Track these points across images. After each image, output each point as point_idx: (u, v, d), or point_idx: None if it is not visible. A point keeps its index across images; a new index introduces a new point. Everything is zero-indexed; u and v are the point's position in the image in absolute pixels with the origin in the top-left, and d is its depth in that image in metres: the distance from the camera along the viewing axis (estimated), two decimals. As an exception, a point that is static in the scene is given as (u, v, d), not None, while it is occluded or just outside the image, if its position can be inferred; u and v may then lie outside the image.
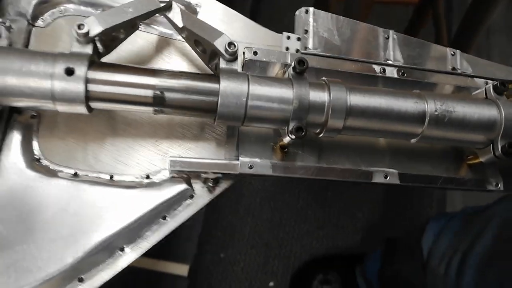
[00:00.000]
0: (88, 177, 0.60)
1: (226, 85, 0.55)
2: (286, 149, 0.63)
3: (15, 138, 0.59)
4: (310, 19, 0.69)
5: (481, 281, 1.17)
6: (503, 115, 0.60)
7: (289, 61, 0.64)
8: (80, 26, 0.55)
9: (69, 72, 0.52)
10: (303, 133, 0.56)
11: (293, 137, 0.56)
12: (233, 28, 0.69)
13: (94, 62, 0.55)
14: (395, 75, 0.67)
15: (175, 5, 0.61)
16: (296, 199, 2.33)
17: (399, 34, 0.71)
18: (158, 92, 0.55)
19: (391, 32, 0.71)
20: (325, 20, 0.69)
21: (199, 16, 0.68)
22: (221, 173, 0.61)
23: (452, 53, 0.71)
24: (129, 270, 0.59)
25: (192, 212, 0.62)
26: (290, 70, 0.58)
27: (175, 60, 0.67)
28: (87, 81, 0.53)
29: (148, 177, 0.62)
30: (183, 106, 0.57)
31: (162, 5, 0.59)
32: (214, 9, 0.69)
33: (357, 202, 2.38)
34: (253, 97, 0.56)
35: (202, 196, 0.62)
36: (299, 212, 2.29)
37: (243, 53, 0.64)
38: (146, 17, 0.60)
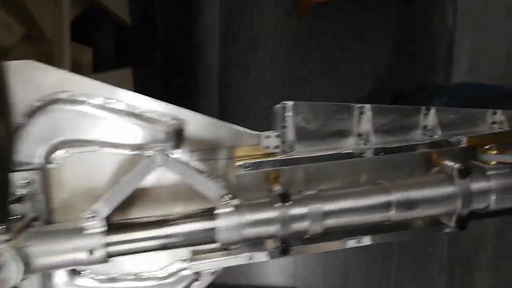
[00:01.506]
0: (120, 278, 0.80)
1: (222, 224, 0.69)
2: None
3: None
4: (288, 113, 0.73)
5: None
6: (460, 197, 0.70)
7: (279, 167, 0.75)
8: (90, 217, 0.68)
9: (91, 252, 0.68)
10: (287, 253, 0.71)
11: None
12: (219, 135, 0.75)
13: (109, 228, 0.69)
14: (372, 155, 0.76)
15: (169, 161, 0.69)
16: (304, 62, 2.37)
17: (373, 105, 0.74)
18: (164, 242, 0.70)
19: (366, 106, 0.74)
20: (302, 110, 0.73)
21: (188, 128, 0.74)
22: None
23: (425, 112, 0.75)
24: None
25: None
26: (277, 198, 0.69)
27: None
28: (106, 249, 0.68)
29: (165, 271, 0.81)
30: (187, 244, 0.72)
31: (158, 165, 0.67)
32: (199, 121, 0.75)
33: (365, 56, 2.41)
34: (244, 226, 0.69)
35: (206, 278, 0.82)
36: (308, 74, 2.37)
37: (237, 166, 0.74)
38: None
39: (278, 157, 0.74)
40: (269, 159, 0.74)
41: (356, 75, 2.36)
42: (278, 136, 0.75)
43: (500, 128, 0.76)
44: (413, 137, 0.76)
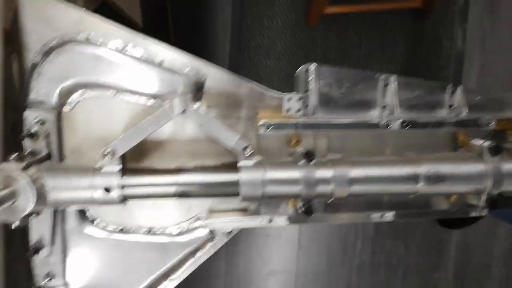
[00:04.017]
0: (132, 231, 0.76)
1: (245, 177, 0.66)
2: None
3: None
4: (311, 77, 0.70)
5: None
6: (491, 175, 0.67)
7: (301, 130, 0.72)
8: (107, 152, 0.65)
9: (107, 190, 0.65)
10: (310, 214, 0.67)
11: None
12: (240, 92, 0.73)
13: (125, 171, 0.66)
14: (398, 128, 0.73)
15: (190, 111, 0.66)
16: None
17: (400, 77, 0.72)
18: (183, 189, 0.67)
19: (391, 78, 0.71)
20: (325, 75, 0.71)
21: (208, 83, 0.72)
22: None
23: (451, 90, 0.73)
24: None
25: (213, 251, 0.77)
26: (301, 156, 0.66)
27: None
28: (122, 191, 0.65)
29: (179, 227, 0.77)
30: (205, 195, 0.69)
31: (176, 114, 0.64)
32: (219, 77, 0.72)
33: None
34: (267, 182, 0.66)
35: (221, 239, 0.77)
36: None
37: (259, 126, 0.72)
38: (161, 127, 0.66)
39: (300, 120, 0.72)
40: (292, 121, 0.71)
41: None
42: (300, 99, 0.72)
43: (532, 115, 0.73)
44: (438, 114, 0.74)
